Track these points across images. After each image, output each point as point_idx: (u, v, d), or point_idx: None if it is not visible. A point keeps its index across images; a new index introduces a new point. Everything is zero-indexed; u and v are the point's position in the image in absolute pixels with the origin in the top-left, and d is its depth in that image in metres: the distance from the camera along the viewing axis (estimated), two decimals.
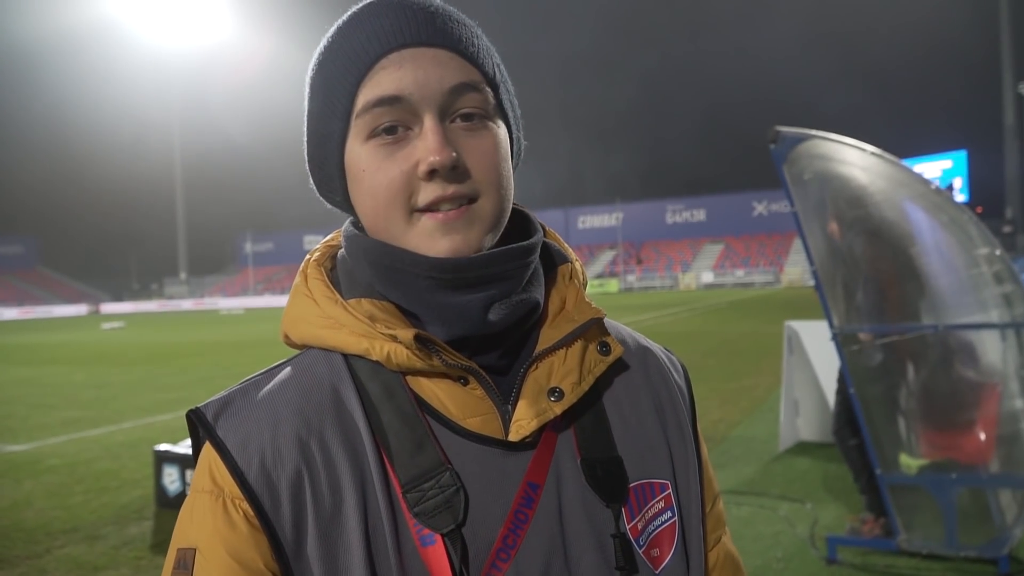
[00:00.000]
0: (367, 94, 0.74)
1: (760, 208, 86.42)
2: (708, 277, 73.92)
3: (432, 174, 0.73)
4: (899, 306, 4.45)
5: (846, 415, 4.63)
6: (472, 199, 0.75)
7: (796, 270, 65.00)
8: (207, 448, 0.75)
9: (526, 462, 0.76)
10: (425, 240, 0.75)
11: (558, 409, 0.77)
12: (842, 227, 4.48)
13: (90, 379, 15.53)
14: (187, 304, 79.70)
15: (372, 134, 0.75)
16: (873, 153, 4.36)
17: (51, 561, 4.97)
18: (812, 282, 4.38)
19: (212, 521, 0.72)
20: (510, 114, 0.82)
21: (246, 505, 0.72)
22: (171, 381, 14.52)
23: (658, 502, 0.82)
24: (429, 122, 0.74)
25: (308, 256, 0.87)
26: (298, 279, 0.84)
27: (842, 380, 4.66)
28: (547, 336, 0.81)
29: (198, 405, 0.77)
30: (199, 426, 0.76)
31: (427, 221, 0.75)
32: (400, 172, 0.74)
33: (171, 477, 5.79)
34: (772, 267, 73.83)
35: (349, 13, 0.78)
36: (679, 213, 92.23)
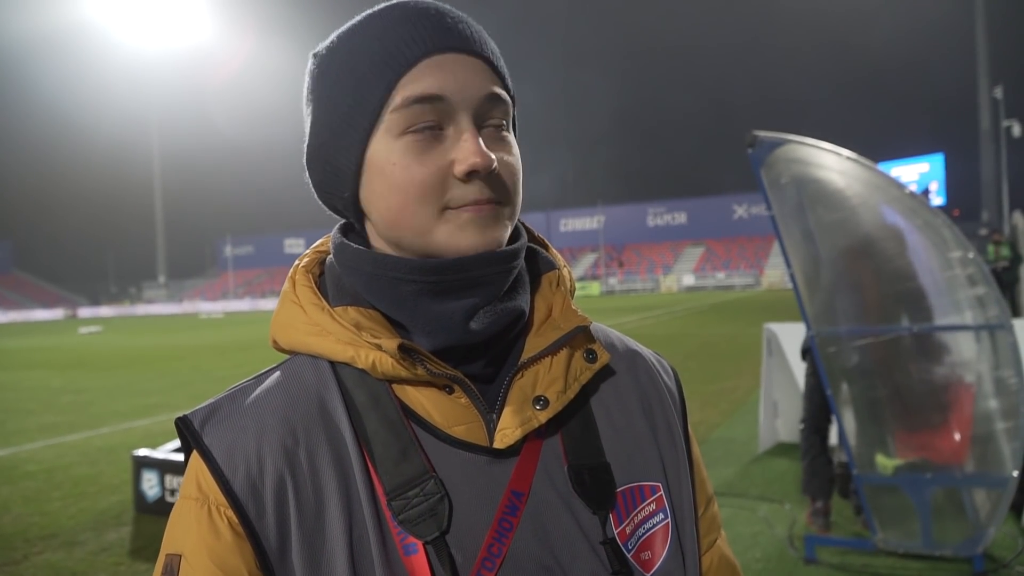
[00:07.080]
0: (406, 91, 0.73)
1: (740, 211, 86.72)
2: (689, 280, 74.12)
3: (471, 175, 0.73)
4: (875, 308, 4.51)
5: (811, 406, 4.93)
6: (500, 204, 0.77)
7: (776, 273, 65.30)
8: (194, 456, 0.76)
9: (511, 470, 0.76)
10: (456, 233, 0.75)
11: (543, 417, 0.77)
12: (819, 230, 4.53)
13: (68, 384, 15.34)
14: (166, 308, 79.01)
15: (407, 130, 0.74)
16: (849, 157, 4.41)
17: (29, 567, 4.92)
18: (791, 285, 4.43)
19: (197, 528, 0.73)
20: (517, 130, 0.84)
21: (231, 513, 0.72)
22: (150, 386, 14.37)
23: (649, 504, 0.82)
24: (467, 124, 0.74)
25: (297, 262, 0.87)
26: (286, 285, 0.84)
27: (813, 375, 4.85)
28: (532, 344, 0.80)
29: (186, 412, 0.77)
30: (186, 433, 0.76)
31: (462, 213, 0.74)
32: (436, 168, 0.74)
33: (150, 482, 5.75)
34: (752, 270, 74.18)
35: (382, 14, 0.77)
36: (660, 216, 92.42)
